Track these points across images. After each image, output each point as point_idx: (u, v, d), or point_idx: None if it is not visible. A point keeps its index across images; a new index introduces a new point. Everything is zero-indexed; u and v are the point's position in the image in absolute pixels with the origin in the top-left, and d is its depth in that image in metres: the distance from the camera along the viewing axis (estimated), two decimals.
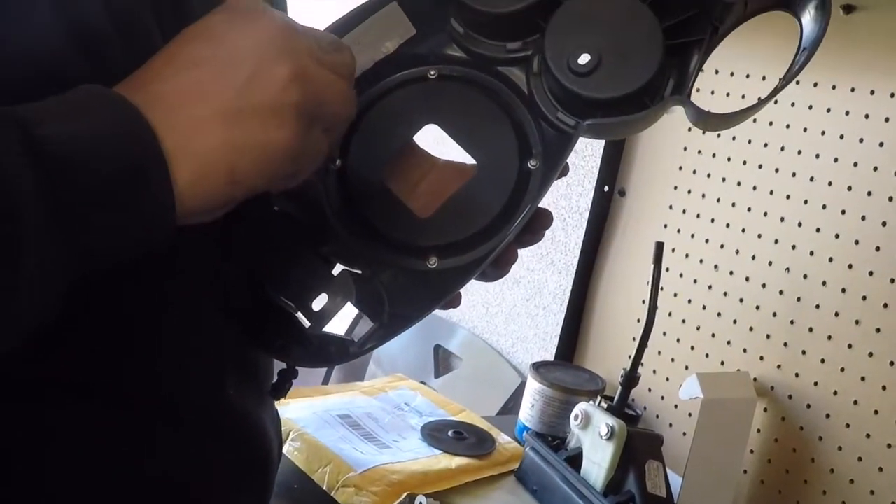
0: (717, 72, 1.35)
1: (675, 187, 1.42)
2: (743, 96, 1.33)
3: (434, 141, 0.72)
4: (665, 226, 1.43)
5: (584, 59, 0.65)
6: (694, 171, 1.40)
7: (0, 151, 0.43)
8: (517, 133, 0.68)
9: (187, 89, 0.51)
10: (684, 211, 1.41)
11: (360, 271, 0.68)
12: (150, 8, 0.55)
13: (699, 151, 1.39)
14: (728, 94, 1.35)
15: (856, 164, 1.19)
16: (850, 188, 1.20)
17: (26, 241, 0.43)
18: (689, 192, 1.40)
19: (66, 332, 0.54)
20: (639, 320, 1.43)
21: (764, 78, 1.30)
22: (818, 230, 1.23)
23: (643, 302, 1.42)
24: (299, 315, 0.66)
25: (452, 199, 0.68)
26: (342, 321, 0.68)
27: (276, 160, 0.53)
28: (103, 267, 0.49)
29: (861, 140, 1.19)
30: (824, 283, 1.22)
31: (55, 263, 0.45)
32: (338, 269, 0.68)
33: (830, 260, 1.22)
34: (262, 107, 0.52)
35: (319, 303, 0.65)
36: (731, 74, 1.34)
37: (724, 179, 1.35)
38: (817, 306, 1.23)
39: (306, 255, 0.67)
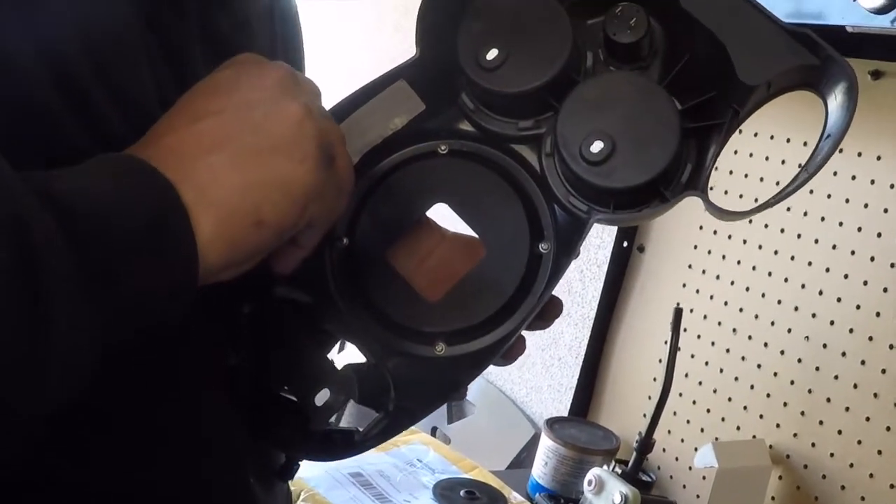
0: (740, 131, 1.34)
1: (695, 246, 1.41)
2: (767, 158, 1.31)
3: (443, 218, 0.70)
4: (683, 285, 1.42)
5: (598, 146, 0.62)
6: (714, 232, 1.39)
7: (23, 204, 0.42)
8: (528, 214, 0.66)
9: (201, 138, 0.51)
10: (703, 271, 1.40)
11: (364, 359, 0.66)
12: (141, 52, 0.55)
13: None
14: (751, 155, 1.33)
15: (879, 235, 1.18)
16: (872, 259, 1.19)
17: (58, 296, 0.42)
18: (709, 252, 1.39)
19: (93, 440, 0.54)
20: (655, 379, 1.43)
21: (788, 140, 1.29)
22: (839, 300, 1.22)
23: (659, 361, 1.41)
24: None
25: (460, 284, 0.66)
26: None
27: (300, 196, 0.53)
28: (128, 334, 0.48)
29: (885, 210, 1.18)
30: (844, 354, 1.21)
31: (86, 323, 0.44)
32: (343, 346, 0.67)
33: (851, 331, 1.20)
34: (281, 142, 0.52)
35: (322, 398, 0.64)
36: (755, 135, 1.33)
37: (744, 242, 1.34)
38: (836, 377, 1.22)
39: (309, 349, 0.65)
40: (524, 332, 0.68)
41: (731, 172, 1.35)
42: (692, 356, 1.39)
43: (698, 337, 1.39)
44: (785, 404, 1.27)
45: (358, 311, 0.66)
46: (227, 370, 0.65)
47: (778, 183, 1.28)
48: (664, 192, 0.64)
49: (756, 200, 1.30)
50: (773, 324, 1.30)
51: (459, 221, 0.68)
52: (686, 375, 1.39)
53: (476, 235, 0.68)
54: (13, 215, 0.41)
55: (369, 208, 0.66)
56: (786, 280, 1.28)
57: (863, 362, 1.19)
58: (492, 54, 0.65)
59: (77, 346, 0.44)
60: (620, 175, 0.63)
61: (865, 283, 1.19)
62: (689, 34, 0.65)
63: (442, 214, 0.69)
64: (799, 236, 1.27)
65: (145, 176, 0.48)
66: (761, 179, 1.31)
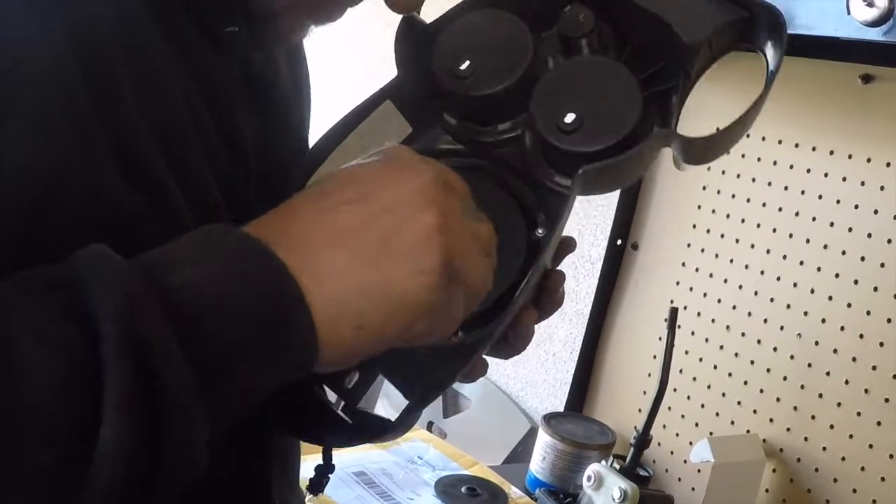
0: (748, 136, 1.36)
1: (689, 245, 1.44)
2: (775, 162, 1.33)
3: None
4: (677, 283, 1.45)
5: (571, 117, 0.67)
6: (708, 231, 1.41)
7: (140, 313, 0.42)
8: (522, 209, 0.70)
9: (328, 233, 0.50)
10: (697, 269, 1.42)
11: None
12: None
13: (713, 211, 1.41)
14: (759, 159, 1.34)
15: (870, 236, 1.21)
16: (862, 258, 1.22)
17: (176, 416, 0.43)
18: (703, 250, 1.42)
19: None
20: (649, 374, 1.46)
21: (797, 145, 1.31)
22: (830, 298, 1.25)
23: (654, 357, 1.44)
24: (333, 399, 0.68)
25: None
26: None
27: (409, 311, 0.51)
28: (230, 423, 0.48)
29: (875, 211, 1.21)
30: (835, 351, 1.24)
31: (198, 433, 0.44)
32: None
33: (842, 329, 1.23)
34: (404, 252, 0.51)
35: (351, 380, 0.67)
36: (763, 139, 1.33)
37: (737, 241, 1.37)
38: (828, 373, 1.25)
39: None
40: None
41: (738, 176, 1.37)
42: (686, 352, 1.41)
43: (692, 333, 1.42)
44: (778, 399, 1.30)
45: None
46: None
47: (787, 188, 1.30)
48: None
49: (764, 206, 1.33)
50: (765, 321, 1.33)
51: None
52: (680, 371, 1.41)
53: None
54: (137, 338, 0.42)
55: None
56: (778, 279, 1.31)
57: (854, 359, 1.22)
58: (464, 65, 0.70)
59: (189, 454, 0.44)
60: (595, 138, 0.66)
61: (856, 282, 1.22)
62: (634, 20, 0.70)
63: None
64: (791, 236, 1.30)
65: (264, 266, 0.48)
66: (769, 184, 1.33)
